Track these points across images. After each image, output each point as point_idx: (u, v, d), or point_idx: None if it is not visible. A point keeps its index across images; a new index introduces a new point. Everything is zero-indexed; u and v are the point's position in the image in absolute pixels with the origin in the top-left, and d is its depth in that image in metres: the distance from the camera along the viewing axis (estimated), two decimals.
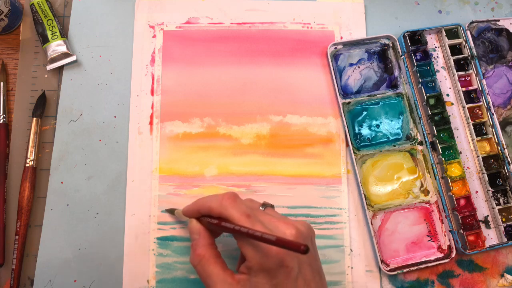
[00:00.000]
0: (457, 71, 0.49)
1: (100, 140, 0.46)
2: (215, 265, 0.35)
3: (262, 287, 0.33)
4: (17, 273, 0.43)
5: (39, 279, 0.43)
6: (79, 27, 0.49)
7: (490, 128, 0.48)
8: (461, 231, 0.45)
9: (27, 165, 0.45)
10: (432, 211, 0.47)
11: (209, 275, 0.35)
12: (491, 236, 0.46)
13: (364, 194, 0.46)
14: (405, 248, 0.46)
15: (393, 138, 0.48)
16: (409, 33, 0.49)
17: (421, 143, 0.48)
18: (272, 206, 0.38)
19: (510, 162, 0.47)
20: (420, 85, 0.48)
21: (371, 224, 0.45)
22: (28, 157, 0.45)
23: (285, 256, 0.32)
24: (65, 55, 0.47)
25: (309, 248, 0.28)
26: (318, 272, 0.35)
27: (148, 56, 0.48)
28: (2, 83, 0.47)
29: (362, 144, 0.48)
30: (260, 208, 0.36)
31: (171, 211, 0.45)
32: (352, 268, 0.45)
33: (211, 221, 0.36)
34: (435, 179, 0.46)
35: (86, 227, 0.45)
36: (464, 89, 0.48)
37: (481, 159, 0.47)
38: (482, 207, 0.47)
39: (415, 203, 0.46)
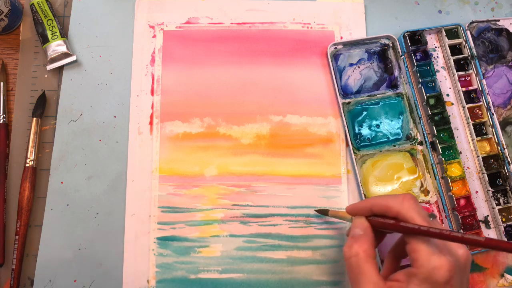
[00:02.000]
0: (457, 71, 0.49)
1: (100, 140, 0.46)
2: (371, 265, 0.34)
3: None
4: (17, 273, 0.43)
5: (39, 279, 0.43)
6: (79, 27, 0.49)
7: (490, 128, 0.48)
8: (461, 231, 0.45)
9: (27, 165, 0.45)
10: (432, 211, 0.47)
11: (362, 273, 0.34)
12: (491, 236, 0.46)
13: (364, 194, 0.46)
14: None
15: (393, 138, 0.48)
16: (409, 33, 0.49)
17: (421, 143, 0.48)
18: (436, 218, 0.37)
19: (510, 162, 0.47)
20: (420, 85, 0.48)
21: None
22: (28, 157, 0.45)
23: (454, 275, 0.31)
24: (65, 55, 0.47)
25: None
26: None
27: (148, 56, 0.48)
28: (2, 83, 0.47)
29: (362, 144, 0.48)
30: (430, 218, 0.35)
31: (324, 212, 0.44)
32: None
33: (386, 220, 0.35)
34: (435, 179, 0.46)
35: (86, 227, 0.45)
36: (464, 89, 0.48)
37: (481, 159, 0.47)
38: (482, 207, 0.47)
39: None
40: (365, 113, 0.48)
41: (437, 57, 0.50)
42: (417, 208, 0.34)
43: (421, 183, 0.47)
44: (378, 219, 0.36)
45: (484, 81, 0.48)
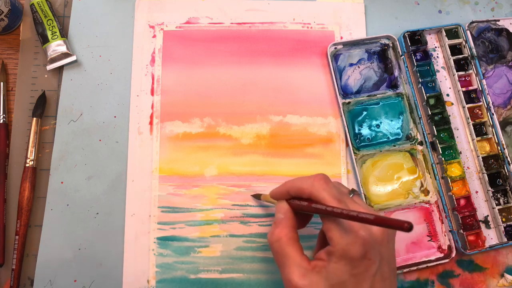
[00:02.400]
0: (457, 71, 0.49)
1: (100, 140, 0.46)
2: (293, 247, 0.35)
3: (341, 275, 0.32)
4: (17, 273, 0.43)
5: (39, 279, 0.43)
6: (79, 27, 0.49)
7: (490, 128, 0.48)
8: (461, 231, 0.45)
9: (27, 165, 0.45)
10: (432, 211, 0.47)
11: (285, 256, 0.34)
12: (491, 236, 0.46)
13: (364, 194, 0.46)
14: (405, 248, 0.46)
15: (393, 138, 0.48)
16: (409, 33, 0.49)
17: (421, 143, 0.48)
18: (358, 194, 0.37)
19: (510, 162, 0.47)
20: (420, 85, 0.48)
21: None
22: (28, 157, 0.45)
23: (370, 249, 0.32)
24: (65, 55, 0.47)
25: (412, 226, 0.27)
26: (394, 271, 0.35)
27: (148, 56, 0.48)
28: (2, 83, 0.47)
29: (362, 144, 0.48)
30: (349, 195, 0.36)
31: (257, 196, 0.45)
32: None
33: (300, 203, 0.36)
34: (435, 179, 0.46)
35: (86, 227, 0.45)
36: (464, 89, 0.48)
37: (481, 159, 0.47)
38: (482, 207, 0.47)
39: (415, 203, 0.46)
40: (365, 113, 0.48)
41: (437, 57, 0.50)
42: (328, 187, 0.34)
43: (421, 183, 0.47)
44: (295, 202, 0.37)
45: (484, 81, 0.48)
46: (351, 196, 0.36)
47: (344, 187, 0.38)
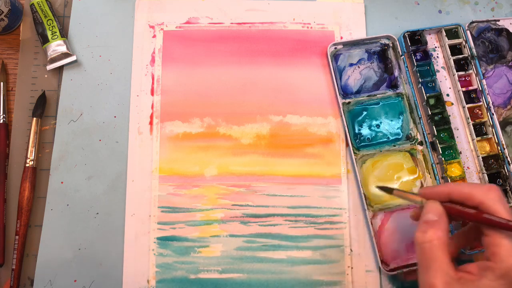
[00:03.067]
0: (457, 71, 0.49)
1: (100, 140, 0.46)
2: (444, 253, 0.33)
3: None
4: (17, 273, 0.43)
5: (39, 279, 0.43)
6: (79, 27, 0.49)
7: (490, 128, 0.48)
8: None
9: (27, 165, 0.45)
10: None
11: (433, 259, 0.33)
12: None
13: (364, 194, 0.46)
14: (405, 248, 0.46)
15: (393, 138, 0.48)
16: (409, 33, 0.49)
17: (421, 143, 0.48)
18: None
19: (510, 162, 0.47)
20: (420, 85, 0.48)
21: (371, 224, 0.45)
22: (28, 157, 0.45)
23: None
24: (65, 55, 0.47)
25: None
26: None
27: (148, 56, 0.48)
28: (2, 83, 0.47)
29: (362, 144, 0.48)
30: None
31: (387, 190, 0.40)
32: (352, 268, 0.45)
33: (465, 209, 0.34)
34: (435, 179, 0.46)
35: (86, 227, 0.45)
36: (464, 89, 0.48)
37: (481, 159, 0.47)
38: None
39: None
40: (365, 113, 0.48)
41: (437, 57, 0.50)
42: (503, 200, 0.33)
43: (421, 183, 0.47)
44: (456, 207, 0.34)
45: (484, 81, 0.48)
46: None
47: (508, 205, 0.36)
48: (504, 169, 0.47)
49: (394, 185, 0.47)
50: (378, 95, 0.48)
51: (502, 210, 0.32)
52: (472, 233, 0.36)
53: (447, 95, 0.49)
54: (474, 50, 0.49)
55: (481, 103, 0.48)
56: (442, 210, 0.35)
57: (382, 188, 0.40)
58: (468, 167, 0.48)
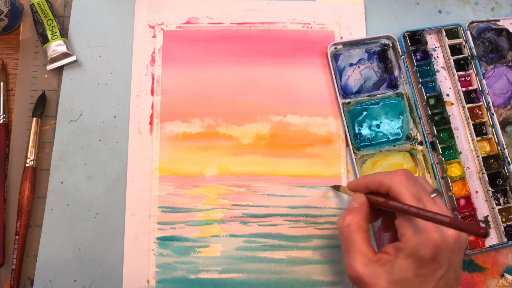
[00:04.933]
0: (457, 71, 0.49)
1: (100, 140, 0.46)
2: (361, 236, 0.35)
3: (406, 273, 0.32)
4: (17, 273, 0.43)
5: (39, 279, 0.43)
6: (79, 27, 0.49)
7: (490, 128, 0.48)
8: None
9: (27, 165, 0.45)
10: None
11: (352, 243, 0.35)
12: (491, 236, 0.46)
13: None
14: None
15: (393, 138, 0.48)
16: (409, 33, 0.49)
17: (421, 143, 0.48)
18: (440, 195, 0.37)
19: (510, 162, 0.47)
20: (420, 85, 0.48)
21: (372, 225, 0.45)
22: (28, 157, 0.45)
23: (440, 253, 0.32)
24: (65, 55, 0.47)
25: (489, 232, 0.27)
26: (458, 281, 0.35)
27: (148, 56, 0.48)
28: (2, 83, 0.47)
29: (362, 144, 0.48)
30: (431, 194, 0.36)
31: (336, 188, 0.45)
32: None
33: (377, 198, 0.36)
34: (435, 179, 0.46)
35: (86, 227, 0.45)
36: (464, 89, 0.48)
37: (481, 159, 0.47)
38: (482, 207, 0.47)
39: None
40: (365, 113, 0.48)
41: (437, 57, 0.50)
42: (408, 184, 0.34)
43: None
44: (371, 196, 0.37)
45: (484, 81, 0.48)
46: (433, 195, 0.36)
47: (428, 185, 0.37)
48: (504, 169, 0.47)
49: None
50: (378, 95, 0.48)
51: (406, 194, 0.34)
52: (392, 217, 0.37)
53: (447, 95, 0.49)
54: (474, 50, 0.49)
55: (481, 103, 0.48)
56: (364, 200, 0.37)
57: (334, 187, 0.45)
58: (468, 167, 0.48)
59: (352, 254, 0.35)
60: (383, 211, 0.38)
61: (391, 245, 0.34)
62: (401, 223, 0.34)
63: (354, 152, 0.47)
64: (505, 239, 0.45)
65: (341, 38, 0.50)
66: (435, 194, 0.36)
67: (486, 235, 0.27)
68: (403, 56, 0.49)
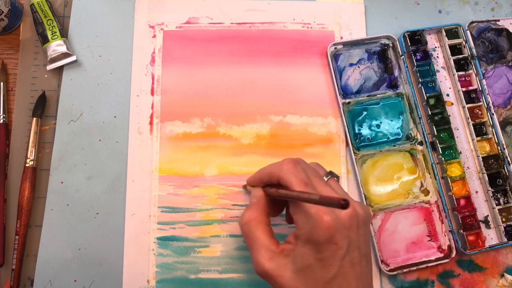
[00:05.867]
0: (457, 71, 0.49)
1: (100, 140, 0.46)
2: (262, 230, 0.35)
3: (307, 259, 0.32)
4: (17, 273, 0.43)
5: (39, 279, 0.43)
6: (79, 27, 0.49)
7: (490, 128, 0.48)
8: (461, 231, 0.45)
9: (27, 165, 0.45)
10: (432, 211, 0.47)
11: (254, 238, 0.35)
12: (491, 236, 0.46)
13: (364, 194, 0.46)
14: (405, 248, 0.46)
15: (393, 138, 0.48)
16: (409, 33, 0.49)
17: (421, 143, 0.48)
18: (337, 178, 0.37)
19: (510, 162, 0.47)
20: (420, 85, 0.48)
21: (371, 224, 0.45)
22: (28, 157, 0.45)
23: (335, 233, 0.32)
24: (65, 55, 0.47)
25: (349, 203, 0.28)
26: (366, 257, 0.34)
27: (148, 56, 0.48)
28: (2, 83, 0.47)
29: (362, 144, 0.48)
30: (324, 177, 0.36)
31: (244, 187, 0.45)
32: None
33: (270, 189, 0.36)
34: (435, 179, 0.46)
35: (86, 227, 0.45)
36: (464, 89, 0.48)
37: (481, 159, 0.47)
38: (482, 207, 0.47)
39: (415, 203, 0.46)
40: (365, 113, 0.48)
41: (437, 57, 0.50)
42: (295, 171, 0.34)
43: (421, 183, 0.47)
44: (267, 188, 0.37)
45: (484, 81, 0.48)
46: (326, 178, 0.36)
47: (322, 169, 0.37)
48: (504, 169, 0.47)
49: (394, 185, 0.47)
50: (378, 95, 0.48)
51: (293, 180, 0.34)
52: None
53: (447, 95, 0.49)
54: (474, 50, 0.49)
55: (481, 103, 0.48)
56: (261, 194, 0.37)
57: (243, 187, 0.46)
58: (468, 167, 0.48)
59: (255, 250, 0.34)
60: (285, 203, 0.38)
61: (292, 234, 0.34)
62: (293, 211, 0.34)
63: (354, 152, 0.47)
64: (505, 239, 0.45)
65: (341, 38, 0.50)
66: (329, 177, 0.36)
67: (345, 206, 0.28)
68: (403, 56, 0.49)
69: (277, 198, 0.37)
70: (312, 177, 0.35)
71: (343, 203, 0.28)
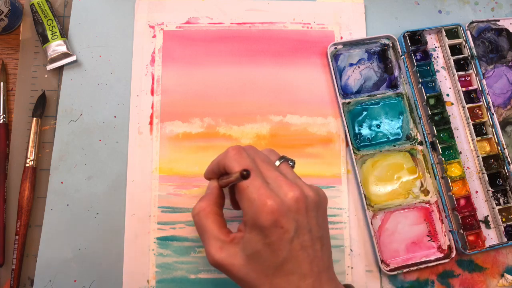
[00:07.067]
0: (457, 71, 0.49)
1: (100, 140, 0.46)
2: (212, 221, 0.35)
3: (255, 245, 0.32)
4: (17, 273, 0.43)
5: (39, 279, 0.43)
6: (79, 27, 0.49)
7: (490, 128, 0.48)
8: (461, 231, 0.45)
9: (27, 165, 0.45)
10: (432, 211, 0.47)
11: (204, 229, 0.35)
12: (491, 236, 0.46)
13: (364, 194, 0.46)
14: (405, 248, 0.46)
15: (393, 138, 0.48)
16: (409, 33, 0.49)
17: (421, 143, 0.48)
18: (292, 162, 0.37)
19: (510, 162, 0.47)
20: (420, 85, 0.48)
21: (371, 224, 0.45)
22: (28, 157, 0.45)
23: (281, 217, 0.31)
24: (65, 55, 0.47)
25: (249, 174, 0.28)
26: (321, 240, 0.34)
27: (148, 56, 0.48)
28: (2, 83, 0.47)
29: (362, 144, 0.48)
30: (276, 162, 0.36)
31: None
32: (352, 268, 0.45)
33: (221, 179, 0.36)
34: (435, 179, 0.46)
35: (86, 227, 0.45)
36: (464, 89, 0.48)
37: (481, 159, 0.47)
38: (482, 207, 0.47)
39: (415, 203, 0.46)
40: (365, 113, 0.48)
41: (437, 57, 0.50)
42: (239, 158, 0.34)
43: (421, 183, 0.47)
44: (220, 179, 0.37)
45: (484, 81, 0.48)
46: (278, 163, 0.36)
47: (274, 155, 0.37)
48: (504, 169, 0.47)
49: (394, 185, 0.47)
50: (378, 95, 0.48)
51: (236, 166, 0.34)
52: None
53: (447, 95, 0.49)
54: (474, 50, 0.49)
55: (481, 103, 0.48)
56: (215, 185, 0.37)
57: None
58: (468, 167, 0.48)
59: (206, 241, 0.34)
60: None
61: (242, 222, 0.34)
62: (238, 197, 0.34)
63: (354, 152, 0.47)
64: (505, 239, 0.45)
65: (341, 38, 0.50)
66: (281, 161, 0.36)
67: (245, 176, 0.28)
68: (403, 56, 0.49)
69: (224, 187, 0.37)
70: (259, 163, 0.34)
71: (244, 174, 0.28)
